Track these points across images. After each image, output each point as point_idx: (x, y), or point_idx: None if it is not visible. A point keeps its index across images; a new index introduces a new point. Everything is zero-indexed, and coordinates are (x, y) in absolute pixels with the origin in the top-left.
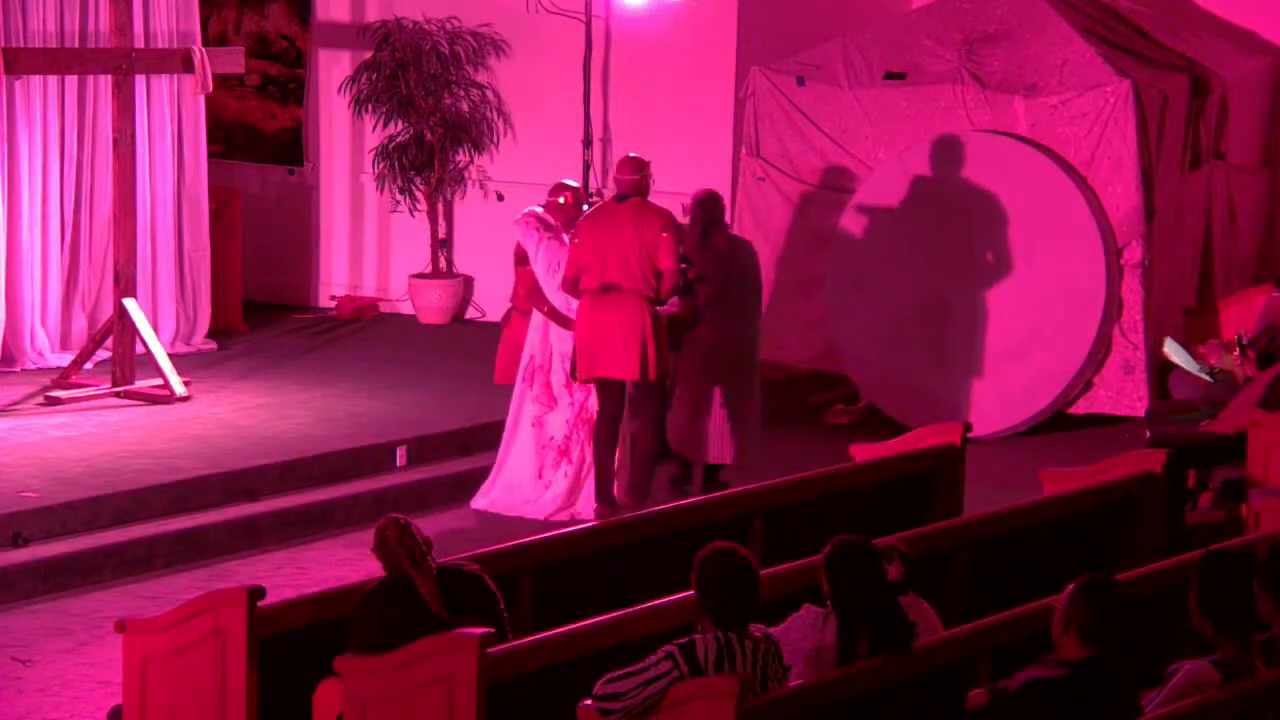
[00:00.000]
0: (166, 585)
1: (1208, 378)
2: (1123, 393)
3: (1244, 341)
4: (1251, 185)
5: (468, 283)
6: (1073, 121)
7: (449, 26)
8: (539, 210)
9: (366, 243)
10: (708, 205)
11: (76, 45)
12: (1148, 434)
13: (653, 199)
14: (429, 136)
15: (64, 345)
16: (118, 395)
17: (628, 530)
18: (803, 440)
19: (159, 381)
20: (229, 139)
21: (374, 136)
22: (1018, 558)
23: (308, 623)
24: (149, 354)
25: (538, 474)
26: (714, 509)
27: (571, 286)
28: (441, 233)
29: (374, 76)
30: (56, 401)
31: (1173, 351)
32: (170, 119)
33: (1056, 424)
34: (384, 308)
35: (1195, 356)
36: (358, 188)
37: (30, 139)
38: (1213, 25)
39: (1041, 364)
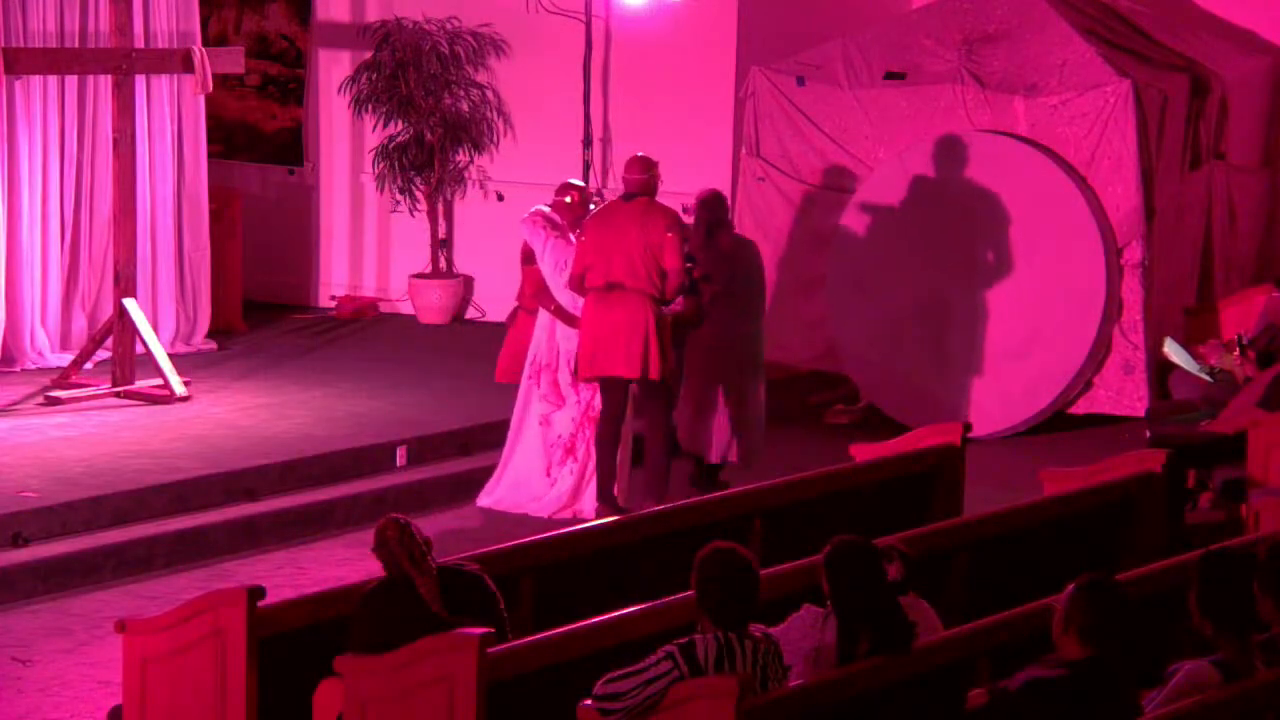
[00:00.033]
0: (166, 585)
1: (1208, 378)
2: (1123, 393)
3: (1244, 341)
4: (1251, 185)
5: (468, 283)
6: (1073, 121)
7: (449, 26)
8: (546, 209)
9: (366, 243)
10: (712, 205)
11: (76, 45)
12: (1148, 434)
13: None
14: (429, 136)
15: (64, 345)
16: (118, 395)
17: (628, 530)
18: (803, 440)
19: (159, 381)
20: (229, 139)
21: (374, 136)
22: (1018, 558)
23: (308, 623)
24: (149, 354)
25: (545, 472)
26: (714, 509)
27: (577, 285)
28: (441, 233)
29: (374, 76)
30: (56, 401)
31: (1173, 351)
32: (170, 119)
33: (1056, 424)
34: (384, 308)
35: (1195, 356)
36: (358, 188)
37: (30, 139)
38: (1213, 25)
39: (1041, 364)
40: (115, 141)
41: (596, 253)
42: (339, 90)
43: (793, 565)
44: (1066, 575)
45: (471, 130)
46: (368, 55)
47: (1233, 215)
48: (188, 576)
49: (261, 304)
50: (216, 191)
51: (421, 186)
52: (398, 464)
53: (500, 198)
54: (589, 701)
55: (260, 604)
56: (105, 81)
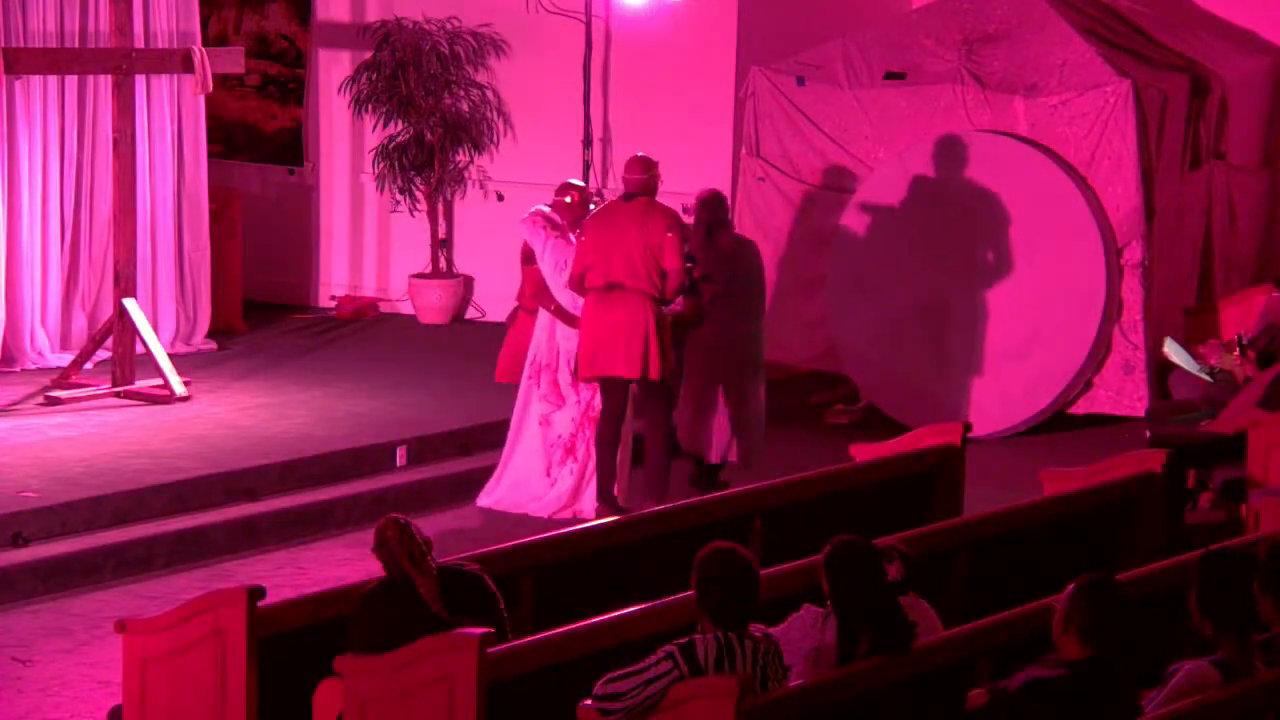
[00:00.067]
0: (166, 585)
1: (1208, 378)
2: (1123, 393)
3: (1244, 341)
4: (1251, 185)
5: (468, 283)
6: (1073, 121)
7: (449, 26)
8: (546, 209)
9: (366, 243)
10: (712, 205)
11: (76, 45)
12: (1148, 434)
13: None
14: (429, 136)
15: (64, 345)
16: (118, 395)
17: (628, 530)
18: (803, 440)
19: (159, 381)
20: (229, 139)
21: (374, 136)
22: (1018, 558)
23: (308, 623)
24: (149, 354)
25: (545, 471)
26: (714, 509)
27: (577, 285)
28: (441, 233)
29: (374, 76)
30: (56, 401)
31: (1173, 351)
32: (170, 119)
33: (1056, 424)
34: (384, 308)
35: (1195, 356)
36: (358, 188)
37: (30, 139)
38: (1213, 25)
39: (1041, 364)
40: (115, 141)
41: (596, 253)
42: (339, 90)
43: (793, 565)
44: (1066, 575)
45: (471, 130)
46: (368, 55)
47: (1233, 215)
48: (188, 576)
49: (261, 304)
50: (216, 191)
51: (421, 186)
52: (398, 464)
53: (500, 198)
54: (589, 701)
55: (260, 604)
56: (105, 81)
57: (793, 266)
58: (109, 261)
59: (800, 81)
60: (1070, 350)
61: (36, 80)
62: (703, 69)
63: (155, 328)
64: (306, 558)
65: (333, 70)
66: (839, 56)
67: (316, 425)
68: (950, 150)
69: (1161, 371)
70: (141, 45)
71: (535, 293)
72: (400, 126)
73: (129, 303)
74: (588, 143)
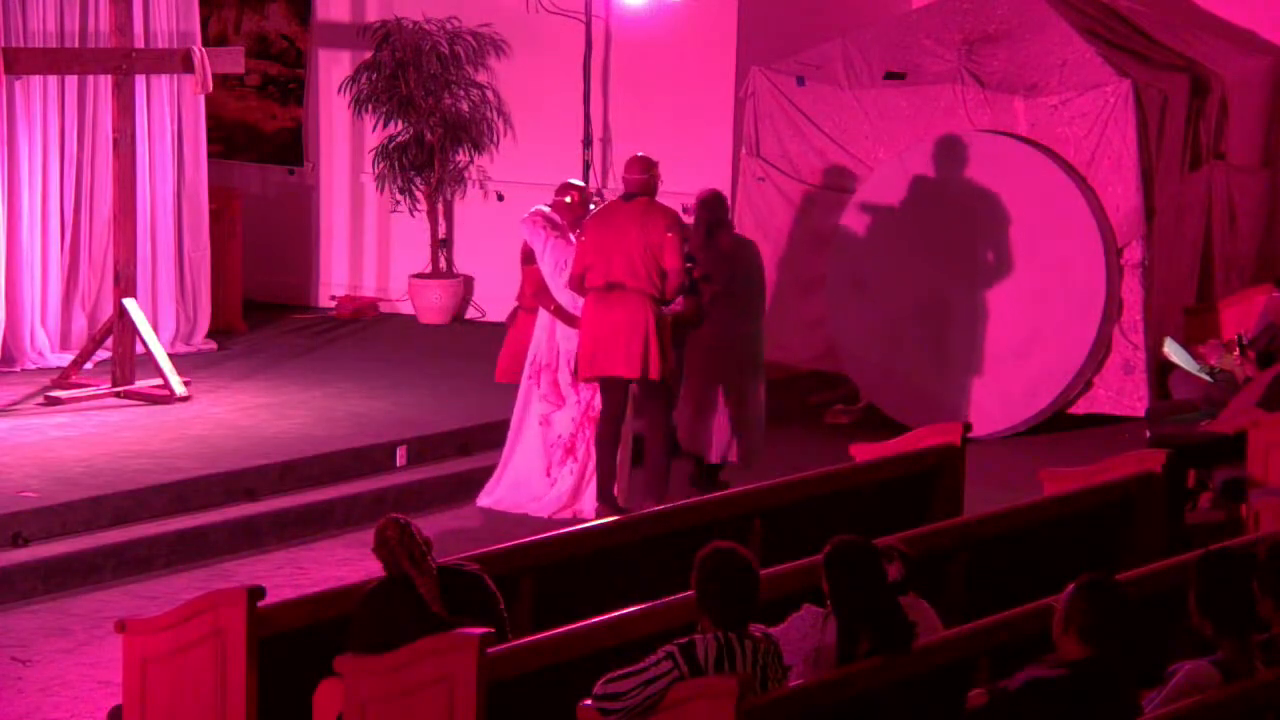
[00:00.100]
0: (166, 585)
1: (1208, 378)
2: (1123, 393)
3: (1244, 341)
4: (1251, 185)
5: (468, 283)
6: (1073, 121)
7: (449, 26)
8: (546, 209)
9: (366, 243)
10: (712, 205)
11: (76, 45)
12: (1148, 434)
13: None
14: (429, 136)
15: (64, 345)
16: (118, 395)
17: (628, 530)
18: (803, 440)
19: (159, 381)
20: (229, 139)
21: (374, 136)
22: (1018, 558)
23: (308, 623)
24: (149, 354)
25: (545, 471)
26: (714, 509)
27: (577, 285)
28: (441, 233)
29: (374, 76)
30: (56, 401)
31: (1173, 351)
32: (170, 119)
33: (1056, 424)
34: (384, 308)
35: (1195, 356)
36: (358, 188)
37: (30, 139)
38: (1213, 25)
39: (1041, 364)
40: (115, 141)
41: (596, 253)
42: (339, 90)
43: (793, 565)
44: (1066, 575)
45: (471, 130)
46: (368, 55)
47: (1233, 215)
48: (188, 576)
49: (261, 304)
50: (216, 191)
51: (421, 186)
52: (398, 464)
53: (500, 198)
54: (589, 701)
55: (260, 604)
56: (105, 81)
57: (793, 266)
58: (109, 261)
59: (800, 81)
60: (1070, 350)
61: (36, 80)
62: (703, 69)
63: (155, 328)
64: (306, 558)
65: (333, 70)
66: (839, 56)
67: (316, 425)
68: (950, 150)
69: (1161, 371)
70: (141, 45)
71: (535, 293)
72: (400, 126)
73: (129, 303)
74: (588, 143)
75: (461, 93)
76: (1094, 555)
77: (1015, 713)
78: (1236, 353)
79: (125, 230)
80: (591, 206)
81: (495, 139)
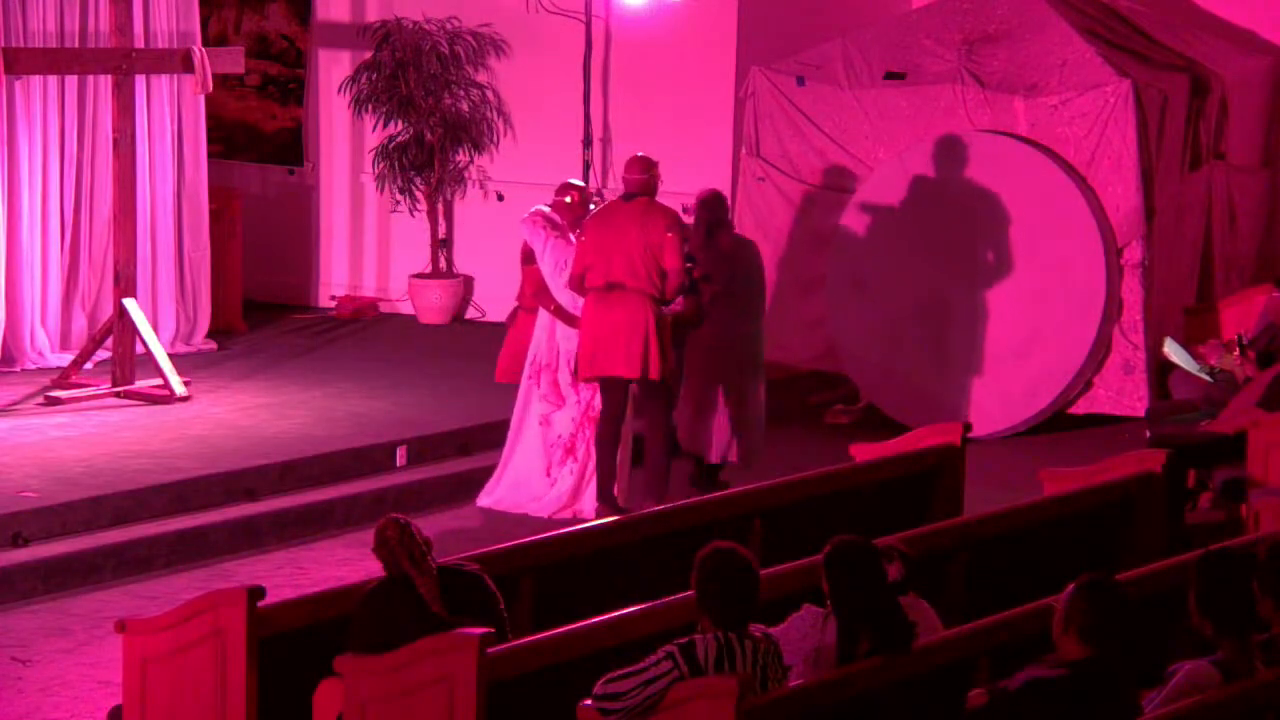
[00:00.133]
0: (166, 585)
1: (1208, 378)
2: (1123, 393)
3: (1244, 341)
4: (1251, 185)
5: (468, 283)
6: (1073, 121)
7: (449, 26)
8: (546, 209)
9: (366, 243)
10: (712, 205)
11: (76, 45)
12: (1148, 434)
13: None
14: (429, 136)
15: (64, 345)
16: (118, 395)
17: (628, 530)
18: (803, 440)
19: (159, 381)
20: (229, 139)
21: (374, 136)
22: (1018, 558)
23: (308, 623)
24: (149, 354)
25: (545, 472)
26: (714, 509)
27: (578, 284)
28: (441, 233)
29: (374, 76)
30: (56, 401)
31: (1173, 351)
32: (170, 119)
33: (1056, 424)
34: (384, 308)
35: (1195, 356)
36: (358, 188)
37: (30, 139)
38: (1213, 25)
39: (1041, 364)
40: (115, 141)
41: (596, 253)
42: (339, 90)
43: (793, 565)
44: (1066, 575)
45: (471, 130)
46: (368, 55)
47: (1233, 215)
48: (188, 576)
49: (261, 304)
50: (216, 191)
51: (421, 186)
52: (398, 464)
53: (500, 198)
54: (589, 701)
55: (260, 604)
56: (105, 81)
57: (793, 266)
58: (109, 261)
59: (800, 81)
60: (1070, 350)
61: (36, 80)
62: (703, 69)
63: (155, 328)
64: (306, 558)
65: (333, 70)
66: (839, 56)
67: (316, 425)
68: (950, 150)
69: (1161, 371)
70: (141, 45)
71: (535, 293)
72: (400, 126)
73: (129, 303)
74: (588, 143)
75: (461, 93)
76: (1094, 555)
77: (1015, 713)
78: (1236, 353)
79: (125, 230)
80: (591, 207)
81: (495, 139)
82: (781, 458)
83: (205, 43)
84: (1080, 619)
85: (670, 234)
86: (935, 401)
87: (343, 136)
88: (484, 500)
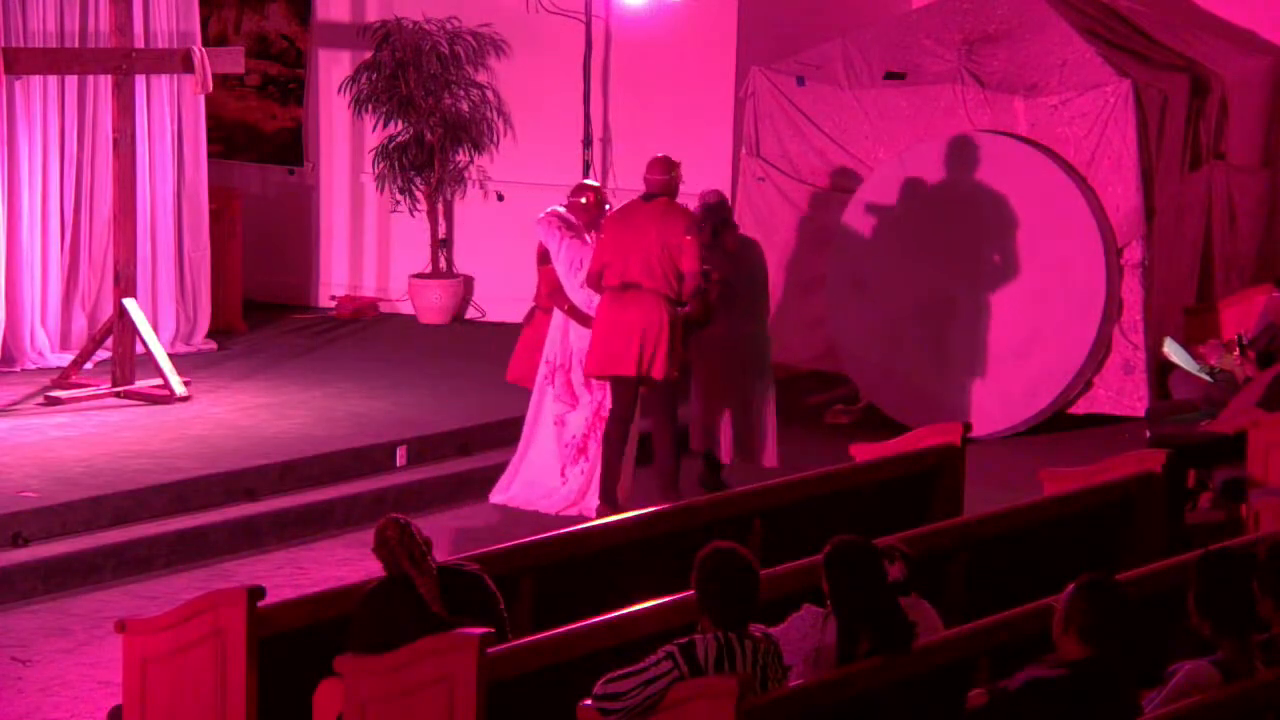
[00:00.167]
0: (166, 585)
1: (1208, 378)
2: (1123, 393)
3: (1244, 341)
4: (1251, 185)
5: (468, 283)
6: (1073, 121)
7: (449, 26)
8: (561, 210)
9: (366, 243)
10: (717, 207)
11: (76, 45)
12: (1148, 434)
13: None
14: (429, 136)
15: (64, 345)
16: (118, 395)
17: (628, 530)
18: (803, 440)
19: (159, 381)
20: (229, 139)
21: (374, 136)
22: (1018, 558)
23: (308, 623)
24: (149, 354)
25: (560, 472)
26: (714, 509)
27: (595, 282)
28: (441, 233)
29: (374, 76)
30: (56, 401)
31: (1173, 351)
32: (170, 119)
33: (1056, 424)
34: (384, 308)
35: (1195, 356)
36: (358, 188)
37: (30, 139)
38: (1213, 25)
39: (1041, 364)
40: (115, 141)
41: (614, 251)
42: (339, 90)
43: (793, 565)
44: (1066, 575)
45: (471, 130)
46: (368, 55)
47: (1233, 215)
48: (188, 576)
49: (261, 304)
50: (216, 191)
51: (421, 186)
52: (398, 464)
53: (500, 198)
54: (589, 701)
55: (260, 604)
56: (105, 81)
57: (793, 266)
58: (109, 261)
59: (800, 81)
60: (1070, 350)
61: (36, 80)
62: (703, 69)
63: (155, 328)
64: (306, 558)
65: (333, 70)
66: (839, 56)
67: (316, 425)
68: (950, 150)
69: (1161, 371)
70: (141, 45)
71: (551, 292)
72: (400, 126)
73: (129, 303)
74: (588, 143)
75: (461, 93)
76: (1094, 555)
77: (1015, 713)
78: (1236, 353)
79: (125, 230)
80: (606, 206)
81: (495, 139)
82: (781, 458)
83: (205, 43)
84: (1080, 619)
85: (689, 236)
86: (935, 401)
87: (343, 136)
88: (497, 497)
